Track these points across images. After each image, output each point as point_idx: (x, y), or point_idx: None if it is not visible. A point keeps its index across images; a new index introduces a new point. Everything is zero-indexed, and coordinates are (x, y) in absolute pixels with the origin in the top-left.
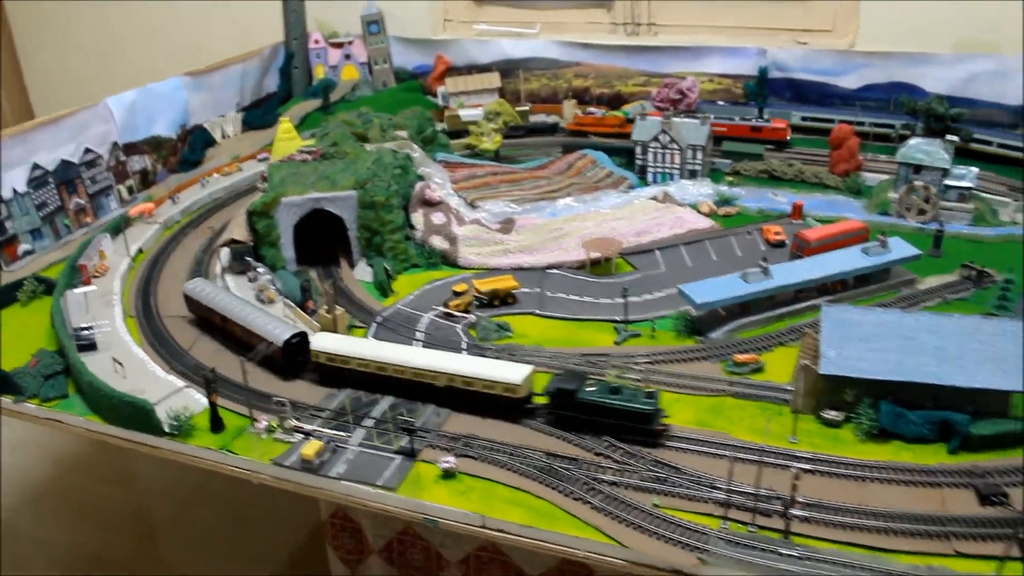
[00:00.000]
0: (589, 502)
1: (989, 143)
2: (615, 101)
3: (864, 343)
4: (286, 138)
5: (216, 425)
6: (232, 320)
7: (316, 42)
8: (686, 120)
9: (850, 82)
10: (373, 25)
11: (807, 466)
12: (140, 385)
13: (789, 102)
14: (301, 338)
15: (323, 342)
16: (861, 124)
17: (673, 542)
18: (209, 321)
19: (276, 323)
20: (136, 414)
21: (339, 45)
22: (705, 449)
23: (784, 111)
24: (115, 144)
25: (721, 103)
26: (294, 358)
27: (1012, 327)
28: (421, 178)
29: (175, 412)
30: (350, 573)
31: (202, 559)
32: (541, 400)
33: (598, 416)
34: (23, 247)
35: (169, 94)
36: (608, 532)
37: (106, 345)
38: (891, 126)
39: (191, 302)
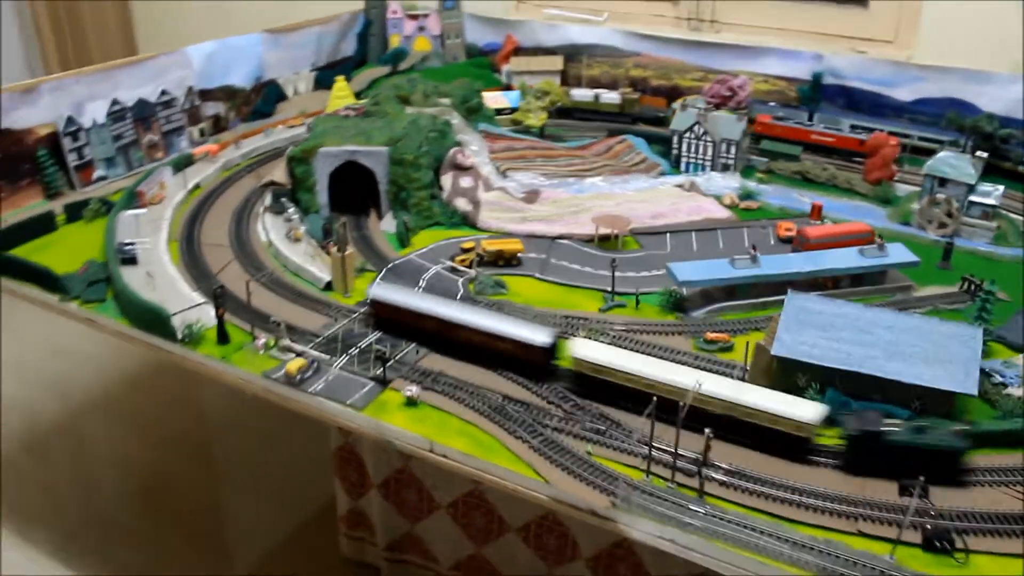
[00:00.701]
0: (528, 442)
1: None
2: (672, 93)
3: (819, 330)
4: (340, 95)
5: (222, 338)
6: (470, 327)
7: (394, 12)
8: (723, 114)
9: (904, 94)
10: (448, 1)
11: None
12: (166, 297)
13: (842, 109)
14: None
15: (586, 351)
16: (907, 136)
17: (594, 486)
18: (406, 324)
19: (528, 326)
20: (155, 320)
21: (415, 17)
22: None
23: (834, 117)
24: (190, 89)
25: (773, 104)
26: (548, 361)
27: (968, 332)
28: (459, 144)
29: (189, 322)
30: (353, 504)
31: (224, 483)
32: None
33: (901, 458)
34: (97, 172)
35: (247, 48)
36: (539, 470)
37: (145, 261)
38: (938, 141)
39: (383, 307)
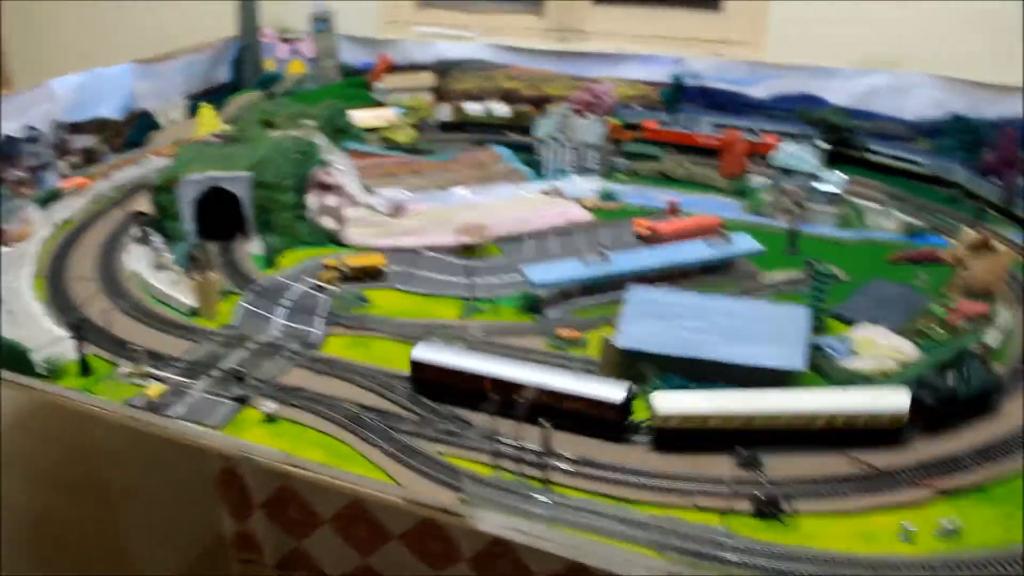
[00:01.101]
0: (382, 447)
1: (883, 154)
2: (542, 103)
3: (659, 320)
4: (207, 123)
5: (84, 369)
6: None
7: (267, 37)
8: (583, 120)
9: (760, 92)
10: (321, 23)
11: None
12: (29, 333)
13: (704, 109)
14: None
15: (672, 403)
16: (755, 132)
17: (444, 484)
18: (455, 387)
19: (600, 382)
20: (15, 356)
21: (288, 41)
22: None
23: (696, 117)
24: (58, 123)
25: (638, 108)
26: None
27: (796, 312)
28: (324, 163)
29: (49, 357)
30: (239, 526)
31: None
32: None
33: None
34: None
35: (116, 79)
36: (392, 474)
37: (7, 299)
38: (790, 135)
39: (427, 369)
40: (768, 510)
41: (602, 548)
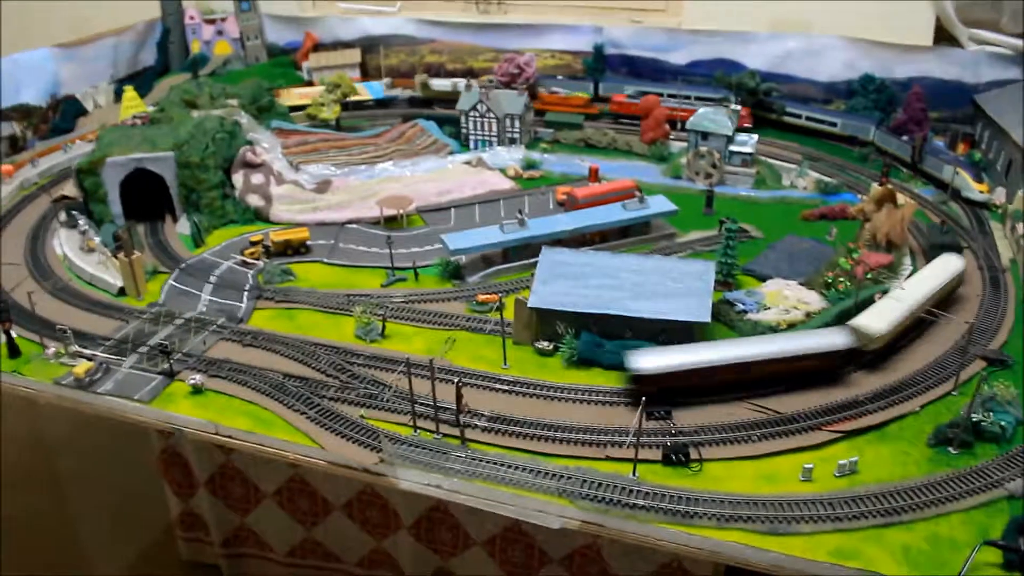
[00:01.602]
0: (305, 413)
1: (799, 116)
2: (466, 75)
3: (571, 280)
4: (130, 105)
5: (13, 351)
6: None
7: (192, 18)
8: (505, 91)
9: (679, 58)
10: (244, 3)
11: (505, 387)
12: None
13: (625, 76)
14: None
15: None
16: (676, 98)
17: (365, 446)
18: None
19: (821, 334)
20: None
21: (212, 22)
22: (423, 373)
23: (618, 85)
24: None
25: (560, 77)
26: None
27: (702, 267)
28: (249, 142)
29: None
30: (184, 505)
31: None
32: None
33: None
34: None
35: (37, 64)
36: (315, 438)
37: None
38: (709, 99)
39: (657, 379)
40: (676, 458)
41: (516, 499)
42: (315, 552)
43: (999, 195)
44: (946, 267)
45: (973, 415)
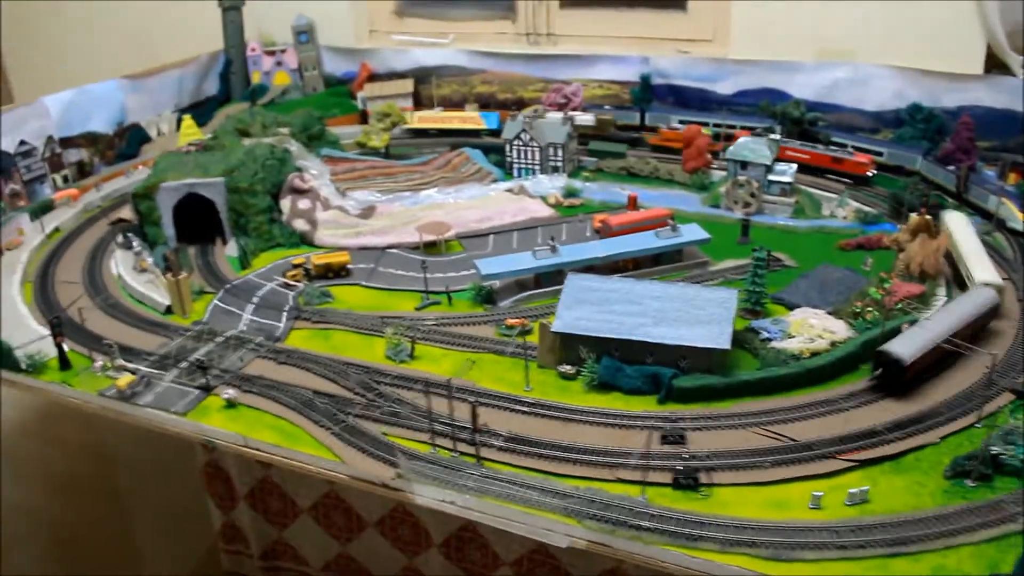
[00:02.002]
0: (330, 428)
1: (844, 146)
2: (518, 105)
3: (594, 306)
4: (188, 133)
5: (64, 364)
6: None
7: (253, 50)
8: (548, 121)
9: (726, 88)
10: (303, 35)
11: (526, 409)
12: (14, 333)
13: (672, 106)
14: None
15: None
16: (718, 126)
17: (385, 461)
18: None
19: None
20: (1, 354)
21: (272, 53)
22: (445, 393)
23: (665, 115)
24: (50, 138)
25: (607, 107)
26: None
27: (725, 295)
28: (298, 169)
29: (31, 353)
30: (225, 519)
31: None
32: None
33: None
34: None
35: (107, 94)
36: (337, 452)
37: None
38: (754, 129)
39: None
40: (686, 481)
41: (526, 517)
42: (349, 568)
43: None
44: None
45: (992, 448)
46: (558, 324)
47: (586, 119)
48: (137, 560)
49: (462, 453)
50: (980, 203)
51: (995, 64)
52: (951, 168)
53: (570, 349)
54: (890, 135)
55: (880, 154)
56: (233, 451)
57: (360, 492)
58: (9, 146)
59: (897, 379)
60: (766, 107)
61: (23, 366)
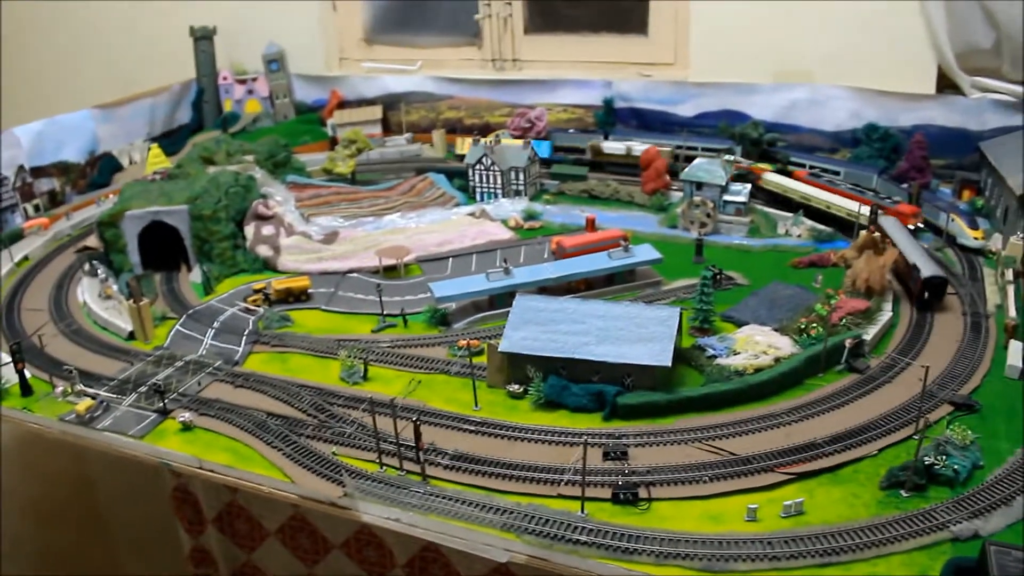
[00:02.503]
0: (281, 449)
1: (803, 165)
2: (484, 131)
3: (539, 326)
4: (155, 162)
5: (25, 390)
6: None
7: (225, 78)
8: (510, 145)
9: (687, 110)
10: (273, 63)
11: (473, 428)
12: None
13: (635, 129)
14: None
15: None
16: (679, 147)
17: (333, 480)
18: None
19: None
20: None
21: (243, 81)
22: (403, 415)
23: (627, 137)
24: (21, 167)
25: (572, 131)
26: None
27: (668, 313)
28: (263, 196)
29: None
30: (194, 543)
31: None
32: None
33: None
34: None
35: (78, 124)
36: (288, 472)
37: None
38: (715, 150)
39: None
40: (625, 496)
41: (466, 533)
42: None
43: (996, 241)
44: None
45: (925, 458)
46: (505, 344)
47: (577, 141)
48: None
49: (408, 472)
50: (932, 220)
51: (947, 84)
52: (904, 186)
53: (518, 369)
54: (848, 155)
55: (837, 173)
56: (189, 473)
57: (324, 514)
58: None
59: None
60: (725, 128)
61: None
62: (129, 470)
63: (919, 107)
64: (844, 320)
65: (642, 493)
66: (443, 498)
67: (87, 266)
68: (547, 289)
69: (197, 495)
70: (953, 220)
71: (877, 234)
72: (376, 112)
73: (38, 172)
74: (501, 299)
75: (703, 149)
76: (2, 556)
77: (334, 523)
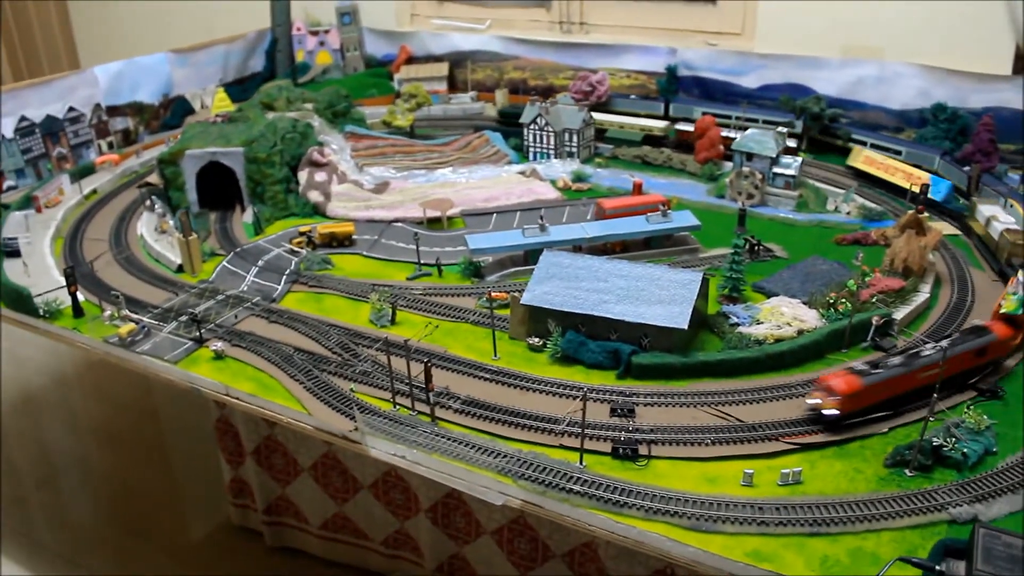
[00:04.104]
0: (303, 383)
1: (864, 143)
2: (547, 92)
3: (563, 281)
4: (220, 105)
5: (77, 312)
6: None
7: (298, 29)
8: (565, 107)
9: (751, 81)
10: (346, 16)
11: (488, 376)
12: (40, 282)
13: (696, 98)
14: None
15: None
16: (732, 118)
17: (347, 415)
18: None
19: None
20: (20, 299)
21: (316, 33)
22: (417, 357)
23: (688, 107)
24: (98, 105)
25: (633, 97)
26: None
27: (690, 277)
28: (320, 143)
29: (48, 300)
30: (234, 473)
31: (127, 461)
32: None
33: None
34: (8, 182)
35: (154, 67)
36: (306, 405)
37: (27, 254)
38: (776, 123)
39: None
40: (624, 452)
41: (468, 475)
42: (346, 527)
43: None
44: None
45: (934, 439)
46: (527, 297)
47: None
48: (175, 511)
49: (420, 412)
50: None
51: None
52: (966, 169)
53: (539, 322)
54: (913, 134)
55: (899, 152)
56: (221, 401)
57: (354, 454)
58: (59, 112)
59: None
60: (786, 101)
61: (40, 312)
62: (185, 402)
63: (993, 88)
64: (875, 297)
65: (643, 451)
66: (448, 439)
67: (147, 201)
68: (583, 249)
69: (237, 427)
70: (1012, 206)
71: (923, 214)
72: (443, 69)
73: (114, 111)
74: (535, 255)
75: (763, 121)
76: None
77: (363, 464)
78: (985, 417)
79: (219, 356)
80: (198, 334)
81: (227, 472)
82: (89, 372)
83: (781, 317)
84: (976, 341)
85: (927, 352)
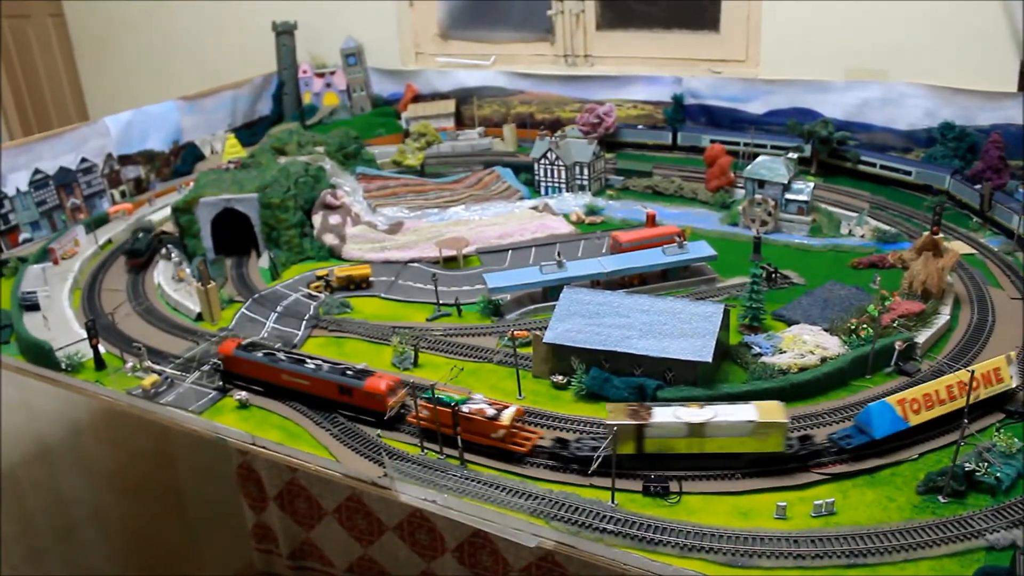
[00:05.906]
0: (329, 430)
1: (873, 164)
2: (554, 126)
3: (584, 318)
4: (231, 151)
5: (99, 364)
6: None
7: (304, 72)
8: (575, 140)
9: (756, 107)
10: (351, 57)
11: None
12: (59, 335)
13: (704, 126)
14: None
15: None
16: (741, 144)
17: (376, 462)
18: None
19: None
20: (42, 353)
21: (322, 75)
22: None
23: (696, 135)
24: (109, 155)
25: (640, 127)
26: None
27: (711, 310)
28: (332, 186)
29: (69, 353)
30: (257, 519)
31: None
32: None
33: None
34: (23, 235)
35: (163, 114)
36: (333, 451)
37: (46, 307)
38: (783, 148)
39: None
40: (655, 489)
41: (499, 517)
42: (371, 570)
43: None
44: None
45: (966, 464)
46: (550, 335)
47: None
48: (196, 558)
49: (447, 456)
50: (1003, 222)
51: None
52: (977, 187)
53: (562, 360)
54: (921, 154)
55: (909, 173)
56: (245, 449)
57: (379, 497)
58: (72, 163)
59: None
60: (794, 126)
61: (63, 366)
62: (204, 449)
63: (999, 106)
64: (896, 322)
65: (673, 487)
66: (478, 482)
67: (163, 250)
68: (601, 283)
69: (260, 473)
70: None
71: (938, 236)
72: (449, 106)
73: (125, 160)
74: (554, 291)
75: (771, 147)
76: (83, 524)
77: (388, 506)
78: (1016, 440)
79: (243, 405)
80: (221, 383)
81: (250, 518)
82: (104, 420)
83: (803, 345)
84: None
85: None
